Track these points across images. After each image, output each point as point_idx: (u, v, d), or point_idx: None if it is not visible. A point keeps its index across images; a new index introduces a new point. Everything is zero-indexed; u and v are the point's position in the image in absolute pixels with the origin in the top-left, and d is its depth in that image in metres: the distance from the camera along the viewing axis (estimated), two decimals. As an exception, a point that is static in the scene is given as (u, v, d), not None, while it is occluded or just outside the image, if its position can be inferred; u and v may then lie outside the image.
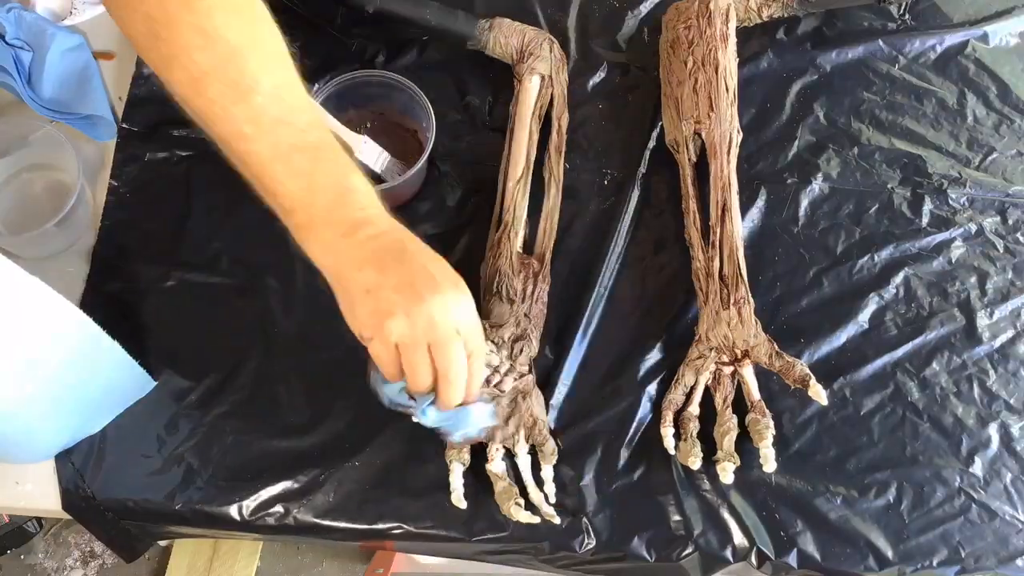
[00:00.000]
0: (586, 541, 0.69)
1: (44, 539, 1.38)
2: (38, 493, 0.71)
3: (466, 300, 0.58)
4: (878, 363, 0.75)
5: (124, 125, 0.82)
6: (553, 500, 0.69)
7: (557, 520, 0.68)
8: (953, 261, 0.79)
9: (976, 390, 0.75)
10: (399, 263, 0.56)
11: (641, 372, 0.74)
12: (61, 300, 0.58)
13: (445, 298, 0.56)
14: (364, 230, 0.56)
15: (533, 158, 0.78)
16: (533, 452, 0.70)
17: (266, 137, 0.55)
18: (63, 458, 0.71)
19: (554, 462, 0.69)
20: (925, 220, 0.81)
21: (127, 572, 1.35)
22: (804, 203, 0.81)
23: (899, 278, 0.78)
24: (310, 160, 0.56)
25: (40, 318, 0.58)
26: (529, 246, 0.77)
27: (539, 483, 0.69)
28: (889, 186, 0.82)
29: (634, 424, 0.73)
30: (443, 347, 0.56)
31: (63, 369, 0.63)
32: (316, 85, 0.78)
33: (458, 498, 0.67)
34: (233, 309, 0.76)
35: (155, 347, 0.75)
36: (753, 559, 0.69)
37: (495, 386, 0.69)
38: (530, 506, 0.68)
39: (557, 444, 0.70)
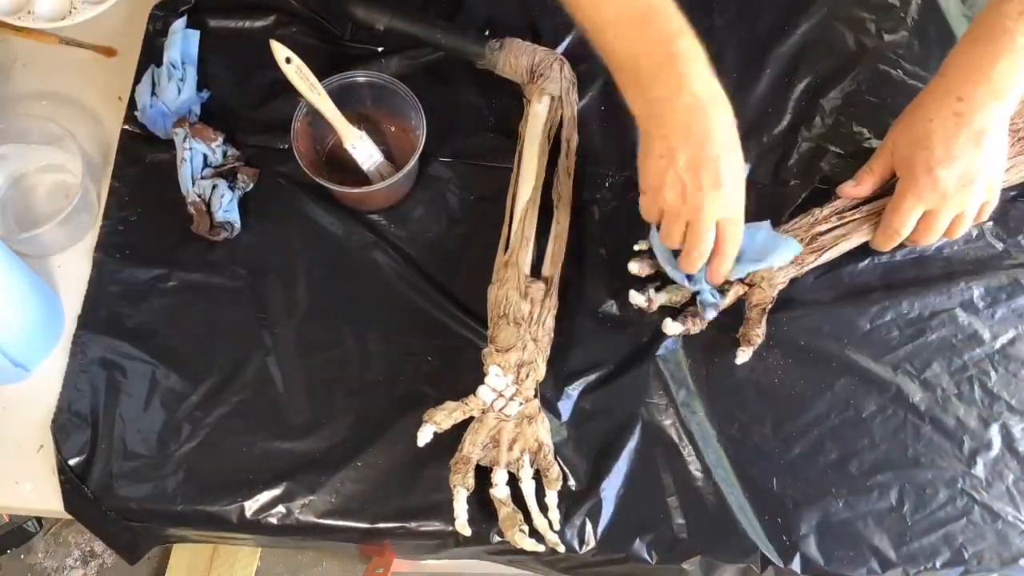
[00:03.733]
0: (587, 543, 0.69)
1: (44, 539, 1.38)
2: (39, 493, 0.71)
3: (736, 197, 0.66)
4: (879, 364, 0.75)
5: (126, 127, 0.82)
6: (558, 527, 0.68)
7: (562, 548, 0.67)
8: (954, 261, 0.79)
9: (978, 391, 0.75)
10: (685, 140, 0.63)
11: (644, 372, 0.74)
12: None
13: (721, 195, 0.64)
14: (680, 98, 0.63)
15: (543, 180, 0.77)
16: (538, 477, 0.69)
17: (601, 6, 0.64)
18: (65, 459, 0.71)
19: (559, 488, 0.68)
20: (927, 221, 0.81)
21: (127, 572, 1.35)
22: (805, 206, 0.81)
23: (900, 278, 0.78)
24: (638, 26, 0.63)
25: None
26: (536, 268, 0.75)
27: (543, 509, 0.68)
28: (891, 187, 0.82)
29: (637, 425, 0.73)
30: (697, 231, 0.66)
31: None
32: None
33: (462, 524, 0.67)
34: (234, 310, 0.76)
35: (156, 347, 0.74)
36: (756, 563, 0.69)
37: (500, 411, 0.69)
38: (534, 532, 0.67)
39: (562, 470, 0.70)
